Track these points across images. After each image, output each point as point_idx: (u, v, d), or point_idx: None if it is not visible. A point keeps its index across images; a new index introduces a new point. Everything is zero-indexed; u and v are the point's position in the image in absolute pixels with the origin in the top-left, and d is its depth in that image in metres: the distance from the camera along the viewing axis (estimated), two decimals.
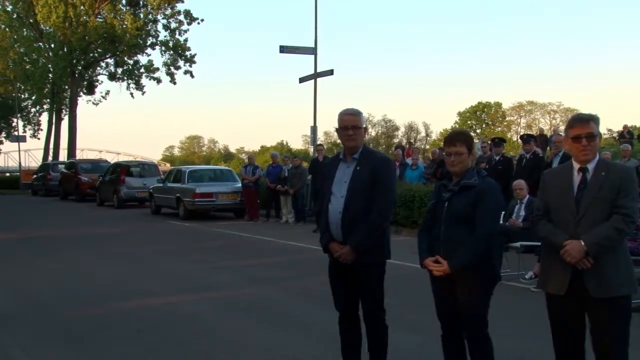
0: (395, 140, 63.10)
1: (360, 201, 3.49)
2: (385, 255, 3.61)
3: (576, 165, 3.08)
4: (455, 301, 3.28)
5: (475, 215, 3.18)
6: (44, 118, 38.08)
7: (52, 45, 32.71)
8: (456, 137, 3.31)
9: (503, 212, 7.27)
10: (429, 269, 3.29)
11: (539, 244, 6.70)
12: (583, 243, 2.92)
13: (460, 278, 3.20)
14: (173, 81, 33.34)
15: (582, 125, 3.04)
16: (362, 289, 3.61)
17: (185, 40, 33.17)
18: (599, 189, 2.96)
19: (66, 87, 33.60)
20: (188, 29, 33.15)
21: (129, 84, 33.96)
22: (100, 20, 32.34)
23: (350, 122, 3.57)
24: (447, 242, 3.22)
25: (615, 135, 29.02)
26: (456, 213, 3.21)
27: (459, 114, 71.44)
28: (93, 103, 35.02)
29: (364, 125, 3.64)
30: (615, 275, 2.93)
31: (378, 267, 3.59)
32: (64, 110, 35.11)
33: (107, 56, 33.76)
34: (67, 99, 34.12)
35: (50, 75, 33.03)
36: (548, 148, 17.37)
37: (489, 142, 12.18)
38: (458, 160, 3.27)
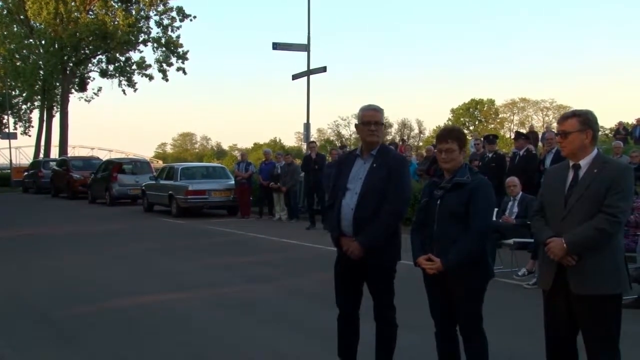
0: (389, 138, 63.18)
1: (374, 199, 3.49)
2: (396, 256, 3.60)
3: (571, 162, 3.09)
4: (449, 299, 3.28)
5: (468, 212, 3.19)
6: (35, 115, 37.78)
7: (43, 42, 32.45)
8: (448, 134, 3.32)
9: (496, 209, 7.30)
10: (422, 268, 3.29)
11: (532, 240, 6.78)
12: (563, 241, 2.93)
13: (454, 275, 3.20)
14: (165, 78, 33.20)
15: (560, 122, 3.11)
16: (371, 288, 3.62)
17: (178, 36, 33.02)
18: (587, 186, 2.95)
19: (57, 84, 33.34)
20: (180, 26, 32.98)
21: (120, 81, 33.78)
22: (92, 16, 32.09)
23: (373, 117, 3.58)
24: (440, 240, 3.23)
25: (607, 132, 29.20)
26: (449, 211, 3.22)
27: (452, 111, 71.58)
28: (85, 100, 34.82)
29: (384, 122, 3.65)
30: (599, 273, 2.91)
31: (388, 268, 3.59)
32: (55, 107, 34.85)
33: (99, 53, 33.51)
34: (59, 96, 33.86)
35: (41, 72, 32.78)
36: (540, 144, 17.44)
37: (482, 139, 12.20)
38: (449, 157, 3.28)
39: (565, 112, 3.21)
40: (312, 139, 17.63)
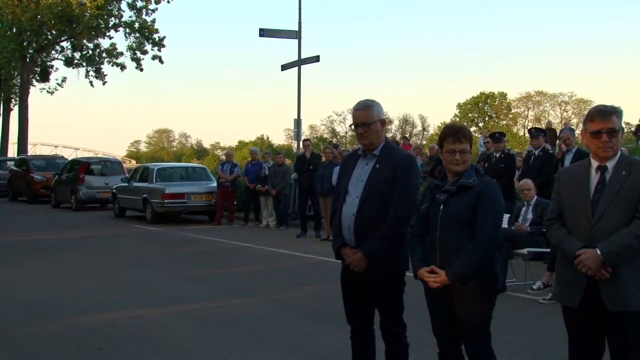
0: (389, 135, 63.42)
1: (377, 203, 3.51)
2: (404, 265, 3.62)
3: (594, 163, 3.09)
4: (454, 315, 3.31)
5: (474, 218, 3.22)
6: None
7: None
8: (461, 133, 3.34)
9: (508, 215, 7.35)
10: (424, 281, 3.31)
11: (548, 250, 6.84)
12: (599, 252, 2.92)
13: (459, 289, 3.23)
14: (139, 67, 33.07)
15: (603, 119, 3.03)
16: (378, 302, 3.64)
17: (153, 21, 32.90)
18: (618, 190, 2.97)
19: (16, 73, 33.15)
20: (156, 9, 32.85)
21: (88, 71, 33.64)
22: None
23: (360, 118, 3.60)
24: (444, 250, 3.25)
25: (633, 129, 29.33)
26: (453, 217, 3.24)
27: (459, 105, 71.88)
28: (47, 91, 34.58)
29: (381, 118, 3.64)
30: (637, 286, 2.93)
31: (395, 278, 3.61)
32: (13, 100, 34.63)
33: (63, 38, 33.35)
34: (17, 87, 33.67)
35: None
36: (557, 142, 17.57)
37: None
38: (464, 159, 3.31)
39: (601, 107, 3.16)
40: (306, 137, 17.71)
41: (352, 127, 3.66)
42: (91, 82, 33.83)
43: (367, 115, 3.60)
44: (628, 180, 2.97)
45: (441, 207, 3.29)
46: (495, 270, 3.35)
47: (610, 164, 3.05)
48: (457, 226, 3.24)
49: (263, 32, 18.71)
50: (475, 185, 3.26)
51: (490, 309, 3.31)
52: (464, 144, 3.31)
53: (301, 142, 16.38)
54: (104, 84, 34.00)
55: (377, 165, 3.58)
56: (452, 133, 3.34)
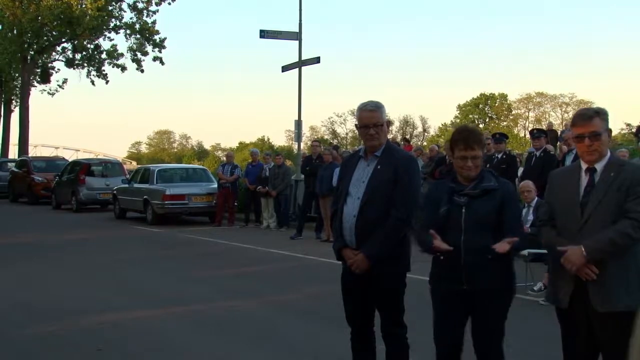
0: (389, 136, 63.27)
1: (379, 204, 3.52)
2: (405, 266, 3.62)
3: (584, 165, 3.13)
4: (462, 318, 3.32)
5: (498, 220, 3.23)
6: None
7: (0, 27, 32.29)
8: (473, 139, 3.30)
9: None
10: (441, 249, 3.21)
11: None
12: (583, 248, 2.95)
13: (482, 290, 3.23)
14: (140, 69, 33.09)
15: (584, 123, 3.08)
16: (378, 303, 3.64)
17: (154, 22, 32.90)
18: (606, 191, 3.00)
19: (16, 74, 33.16)
20: (157, 10, 32.86)
21: (89, 71, 33.64)
22: None
23: (371, 119, 3.59)
24: (469, 253, 3.23)
25: (633, 130, 29.27)
26: (479, 219, 3.24)
27: (459, 107, 71.88)
28: (48, 93, 34.57)
29: (386, 119, 3.67)
30: (624, 286, 2.96)
31: (396, 279, 3.61)
32: (14, 101, 34.65)
33: (64, 40, 33.37)
34: (18, 88, 33.69)
35: None
36: (558, 144, 17.57)
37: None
38: (476, 165, 3.29)
39: (582, 110, 3.20)
40: (313, 139, 17.66)
41: (360, 128, 3.64)
42: (92, 82, 33.81)
43: (378, 117, 3.60)
44: (616, 181, 3.00)
45: (463, 210, 3.27)
46: (513, 270, 3.36)
47: (599, 166, 3.08)
48: (481, 228, 3.24)
49: (264, 34, 18.71)
50: (498, 188, 3.28)
51: (508, 309, 3.34)
52: (476, 150, 3.27)
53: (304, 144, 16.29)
54: (107, 82, 33.95)
55: (379, 167, 3.58)
56: (462, 139, 3.30)
